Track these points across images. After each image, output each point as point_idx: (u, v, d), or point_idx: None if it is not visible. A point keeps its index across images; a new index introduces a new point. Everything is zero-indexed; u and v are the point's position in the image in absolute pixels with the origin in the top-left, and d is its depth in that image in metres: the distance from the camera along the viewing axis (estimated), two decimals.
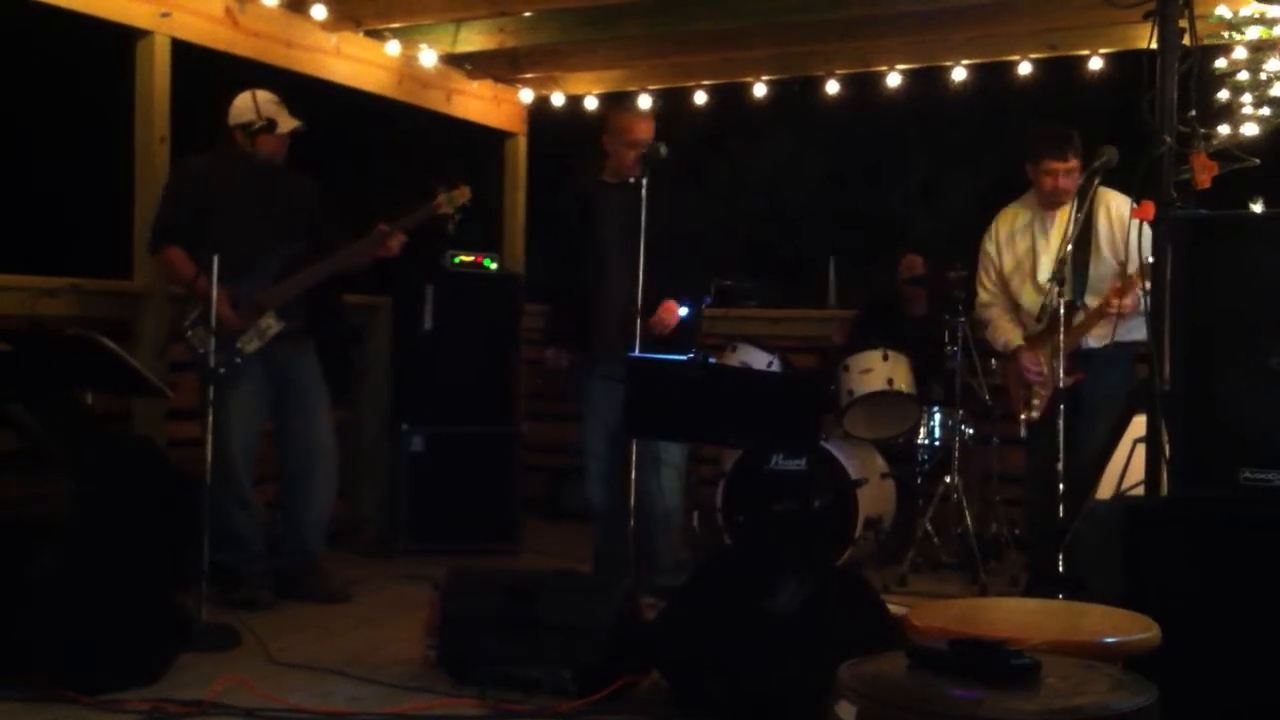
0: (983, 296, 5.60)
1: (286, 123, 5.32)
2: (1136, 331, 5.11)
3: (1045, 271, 5.17)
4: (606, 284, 5.46)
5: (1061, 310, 4.67)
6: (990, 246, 5.52)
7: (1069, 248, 4.73)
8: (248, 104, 5.33)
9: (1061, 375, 4.60)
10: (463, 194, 5.43)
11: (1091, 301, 5.20)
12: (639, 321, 5.07)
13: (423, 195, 5.42)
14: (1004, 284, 5.50)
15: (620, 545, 5.17)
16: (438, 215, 5.42)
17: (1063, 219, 5.23)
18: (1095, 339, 5.17)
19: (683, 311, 6.06)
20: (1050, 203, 5.33)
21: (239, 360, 5.02)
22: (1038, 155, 5.27)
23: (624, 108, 5.96)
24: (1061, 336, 4.67)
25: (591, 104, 7.84)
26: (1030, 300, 5.32)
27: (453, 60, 7.13)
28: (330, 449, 5.51)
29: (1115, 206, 5.15)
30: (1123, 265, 5.02)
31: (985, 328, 5.63)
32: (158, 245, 5.30)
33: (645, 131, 5.48)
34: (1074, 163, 5.20)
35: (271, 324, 5.17)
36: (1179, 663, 2.90)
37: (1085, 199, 4.75)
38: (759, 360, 6.12)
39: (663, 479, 5.46)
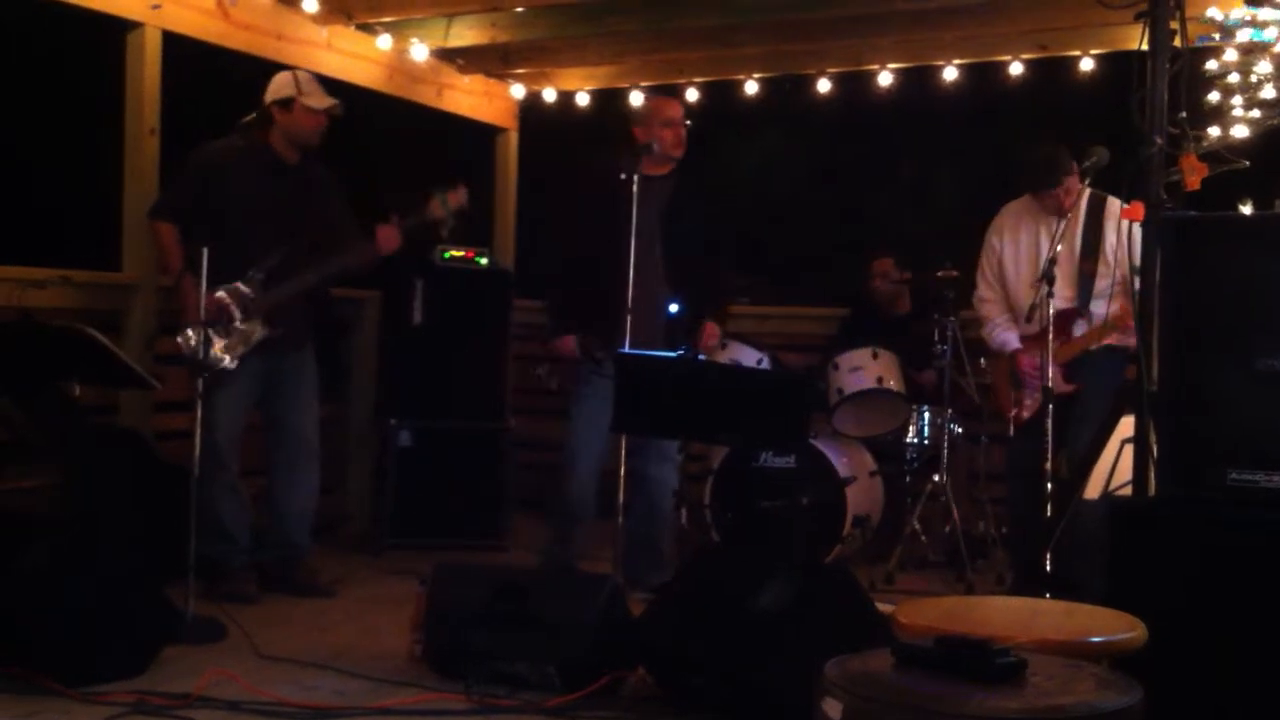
0: (982, 289, 5.58)
1: (322, 100, 5.28)
2: (1128, 336, 5.12)
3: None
4: (643, 276, 5.25)
5: (1051, 312, 4.68)
6: (995, 238, 5.50)
7: (1058, 247, 4.75)
8: (287, 80, 5.29)
9: (1058, 382, 4.59)
10: (458, 196, 5.30)
11: (1096, 308, 5.20)
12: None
13: (418, 198, 5.31)
14: (1002, 277, 5.49)
15: (574, 543, 5.42)
16: (431, 220, 5.31)
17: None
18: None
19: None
20: (1056, 213, 5.30)
21: (220, 368, 4.95)
22: (1036, 187, 5.27)
23: (648, 95, 5.92)
24: (1050, 338, 4.67)
25: (583, 100, 7.83)
26: (1025, 296, 5.30)
27: (444, 55, 7.12)
28: (315, 446, 5.49)
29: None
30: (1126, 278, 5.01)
31: (982, 325, 5.59)
32: (154, 216, 5.29)
33: (676, 109, 5.51)
34: (1070, 179, 5.19)
35: (256, 330, 5.11)
36: (1165, 662, 2.91)
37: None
38: (749, 358, 6.12)
39: (667, 473, 5.49)
